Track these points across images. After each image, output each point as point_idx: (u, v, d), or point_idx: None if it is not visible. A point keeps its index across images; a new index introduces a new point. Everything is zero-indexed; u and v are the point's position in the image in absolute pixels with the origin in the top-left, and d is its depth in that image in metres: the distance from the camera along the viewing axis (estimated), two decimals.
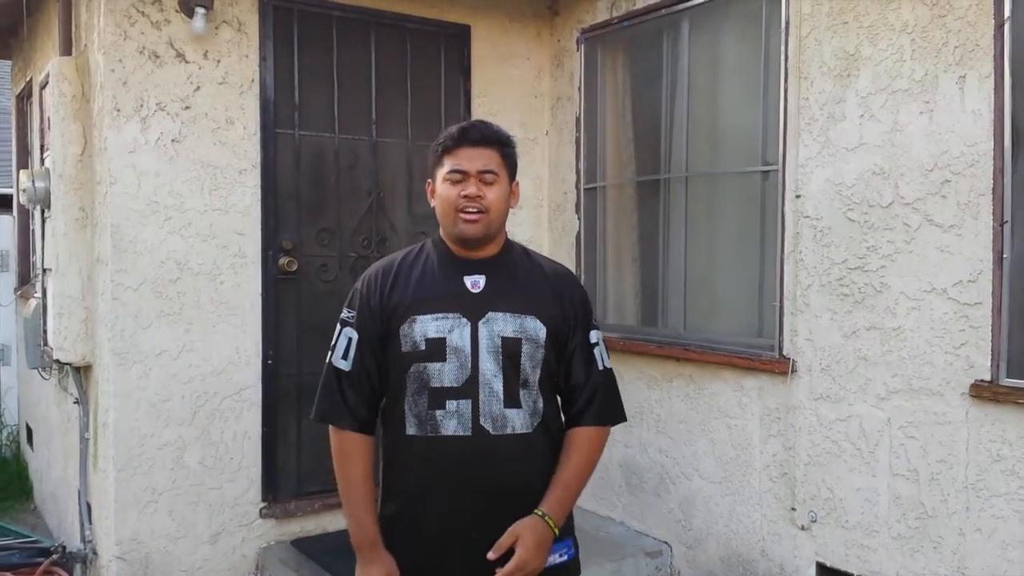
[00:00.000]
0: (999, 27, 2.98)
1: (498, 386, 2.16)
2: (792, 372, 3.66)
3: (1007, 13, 2.96)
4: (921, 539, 3.24)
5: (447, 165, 2.20)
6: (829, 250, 3.53)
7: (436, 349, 2.16)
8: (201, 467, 4.04)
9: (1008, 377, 3.00)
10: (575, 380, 2.26)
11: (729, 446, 3.97)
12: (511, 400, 2.17)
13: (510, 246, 2.32)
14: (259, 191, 4.16)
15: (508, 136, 2.29)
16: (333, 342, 2.26)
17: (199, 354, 4.02)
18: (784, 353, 3.71)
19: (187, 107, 3.97)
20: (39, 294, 4.81)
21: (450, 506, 2.17)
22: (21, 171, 4.61)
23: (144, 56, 3.88)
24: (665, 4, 4.25)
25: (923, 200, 3.21)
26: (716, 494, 4.04)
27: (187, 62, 3.97)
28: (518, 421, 2.18)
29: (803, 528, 3.65)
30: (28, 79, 5.62)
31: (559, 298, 2.26)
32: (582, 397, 2.26)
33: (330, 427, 2.24)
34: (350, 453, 2.22)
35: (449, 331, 2.16)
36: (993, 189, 3.01)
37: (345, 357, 2.22)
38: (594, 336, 2.30)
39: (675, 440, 4.25)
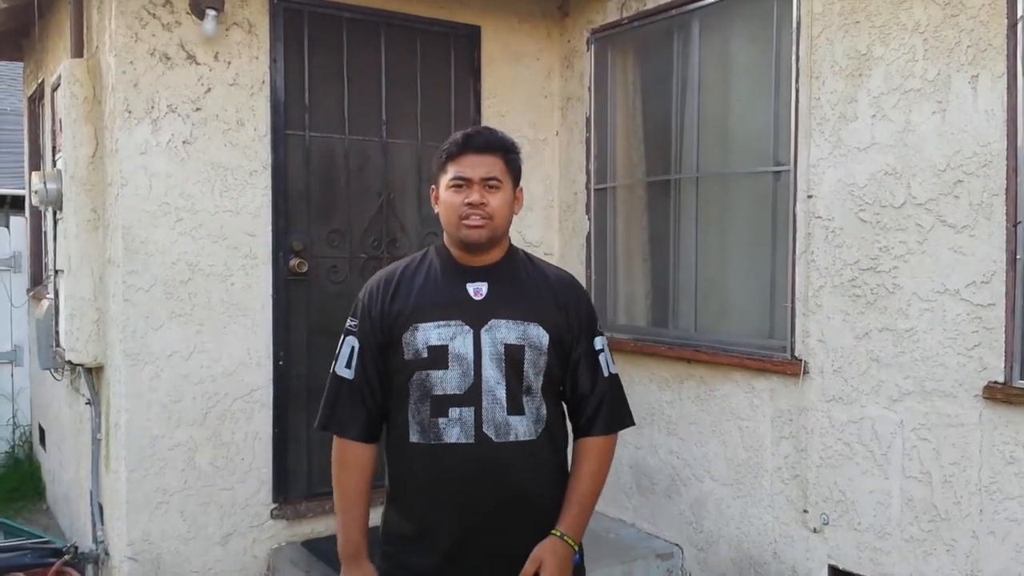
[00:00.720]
0: (1012, 26, 2.96)
1: (501, 393, 2.16)
2: (804, 374, 3.65)
3: (1020, 12, 2.94)
4: (934, 542, 3.22)
5: (451, 172, 2.19)
6: (841, 251, 3.51)
7: (438, 357, 2.16)
8: (212, 468, 4.05)
9: (1022, 379, 2.98)
10: (582, 389, 2.27)
11: (740, 448, 3.95)
12: (514, 407, 2.17)
13: (513, 252, 2.32)
14: (270, 192, 4.16)
15: (512, 142, 2.28)
16: (337, 351, 2.28)
17: (210, 355, 4.03)
18: (796, 354, 3.69)
19: (198, 109, 3.98)
20: (51, 295, 4.83)
21: (455, 514, 2.17)
22: (33, 173, 4.63)
23: (155, 58, 3.89)
24: (675, 4, 4.23)
25: (936, 200, 3.19)
26: (727, 496, 4.02)
27: (198, 64, 3.98)
28: (521, 428, 2.18)
29: (815, 530, 3.63)
30: (40, 81, 5.65)
31: (563, 305, 2.26)
32: (589, 406, 2.26)
33: (334, 436, 2.26)
34: (349, 463, 2.24)
35: (451, 338, 2.16)
36: (1006, 189, 2.99)
37: (348, 366, 2.24)
38: (599, 343, 2.30)
39: (686, 442, 4.24)
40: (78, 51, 4.27)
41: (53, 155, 4.90)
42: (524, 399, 2.18)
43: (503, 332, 2.17)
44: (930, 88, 3.21)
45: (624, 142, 4.71)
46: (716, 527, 4.08)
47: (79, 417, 4.79)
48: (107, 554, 4.19)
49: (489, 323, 2.17)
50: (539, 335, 2.19)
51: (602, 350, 2.30)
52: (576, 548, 2.20)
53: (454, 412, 2.15)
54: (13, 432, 7.30)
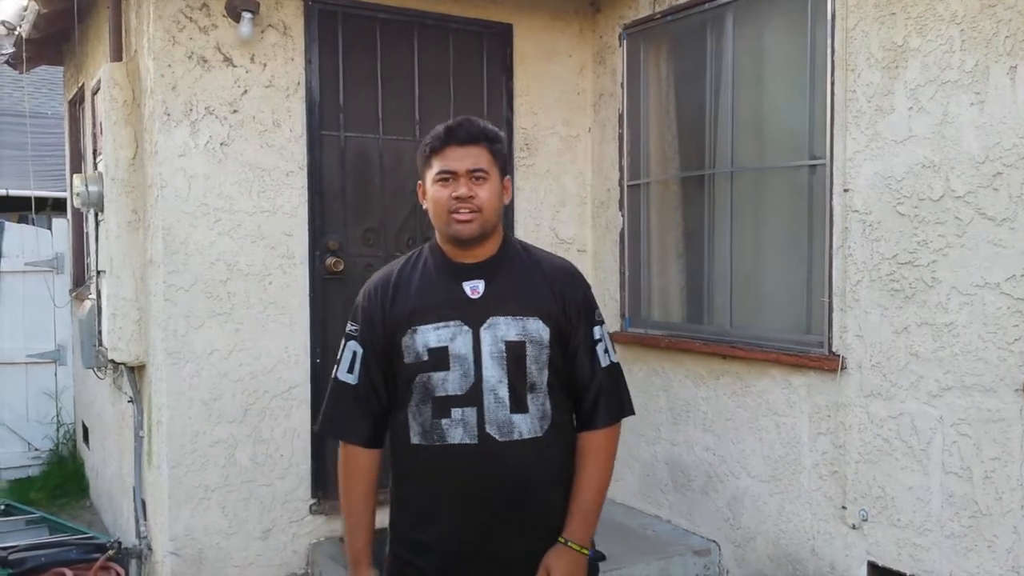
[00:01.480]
0: None
1: (503, 392, 2.13)
2: (842, 369, 3.62)
3: None
4: (975, 538, 3.19)
5: (436, 166, 2.17)
6: (879, 245, 3.48)
7: (439, 358, 2.13)
8: (252, 464, 4.11)
9: None
10: (580, 381, 2.22)
11: (778, 444, 3.93)
12: (517, 405, 2.14)
13: (507, 244, 2.27)
14: (306, 192, 4.21)
15: (496, 132, 2.23)
16: (338, 356, 2.25)
17: (249, 353, 4.09)
18: (833, 350, 3.66)
19: (235, 111, 4.04)
20: (93, 295, 4.92)
21: (460, 515, 2.16)
22: (75, 175, 4.71)
23: (192, 61, 3.95)
24: None
25: (974, 193, 3.15)
26: (764, 492, 4.00)
27: (234, 66, 4.03)
28: (525, 426, 2.14)
29: (854, 527, 3.61)
30: (80, 85, 5.74)
31: (558, 296, 2.21)
32: (588, 399, 2.23)
33: (339, 442, 2.25)
34: (353, 469, 2.24)
35: (451, 339, 2.13)
36: None
37: (351, 371, 2.22)
38: (597, 332, 2.25)
39: (722, 438, 4.22)
40: (117, 55, 4.34)
41: (94, 158, 4.98)
42: (528, 396, 2.15)
43: (503, 329, 2.14)
44: (968, 79, 3.17)
45: (657, 138, 4.70)
46: (753, 524, 4.07)
47: (121, 415, 4.87)
48: (150, 549, 4.27)
49: (488, 321, 2.14)
50: (539, 329, 2.16)
51: (600, 339, 2.24)
52: (586, 552, 2.18)
53: (456, 413, 2.13)
54: (57, 430, 7.43)
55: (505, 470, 2.13)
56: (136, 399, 4.36)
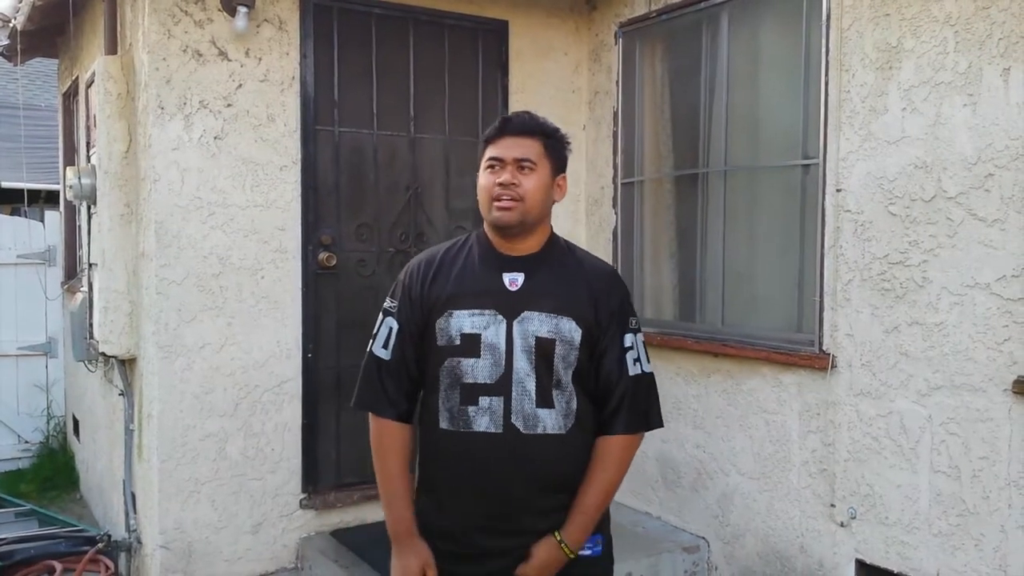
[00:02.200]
0: None
1: (531, 385, 2.15)
2: (832, 367, 3.64)
3: None
4: (962, 536, 3.21)
5: (488, 154, 2.21)
6: (870, 244, 3.50)
7: (471, 345, 2.16)
8: (243, 458, 4.11)
9: None
10: (604, 385, 2.23)
11: (767, 442, 3.95)
12: (543, 400, 2.16)
13: (554, 242, 2.30)
14: (299, 187, 4.21)
15: (554, 128, 2.26)
16: (375, 331, 2.28)
17: (241, 347, 4.09)
18: (824, 348, 3.68)
19: (229, 105, 4.03)
20: (85, 288, 4.91)
21: (482, 501, 2.18)
22: (68, 168, 4.70)
23: (187, 55, 3.94)
24: None
25: (966, 194, 3.17)
26: (754, 490, 4.02)
27: (229, 60, 4.03)
28: (550, 421, 2.17)
29: (842, 525, 3.62)
30: (75, 77, 5.73)
31: (595, 299, 2.22)
32: (610, 404, 2.23)
33: (370, 415, 2.27)
34: (388, 444, 2.25)
35: (485, 328, 2.16)
36: None
37: (386, 346, 2.24)
38: (628, 340, 2.25)
39: (712, 435, 4.24)
40: (112, 48, 4.33)
41: (87, 151, 4.97)
42: (554, 393, 2.17)
43: (535, 325, 2.16)
44: (961, 81, 3.18)
45: (652, 136, 4.71)
46: (742, 521, 4.08)
47: (112, 408, 4.87)
48: (139, 542, 4.27)
49: (522, 315, 2.17)
50: (571, 329, 2.17)
51: (631, 347, 2.24)
52: (573, 556, 2.20)
53: (484, 401, 2.16)
54: (47, 423, 7.42)
55: (527, 462, 2.16)
56: (127, 392, 4.35)
